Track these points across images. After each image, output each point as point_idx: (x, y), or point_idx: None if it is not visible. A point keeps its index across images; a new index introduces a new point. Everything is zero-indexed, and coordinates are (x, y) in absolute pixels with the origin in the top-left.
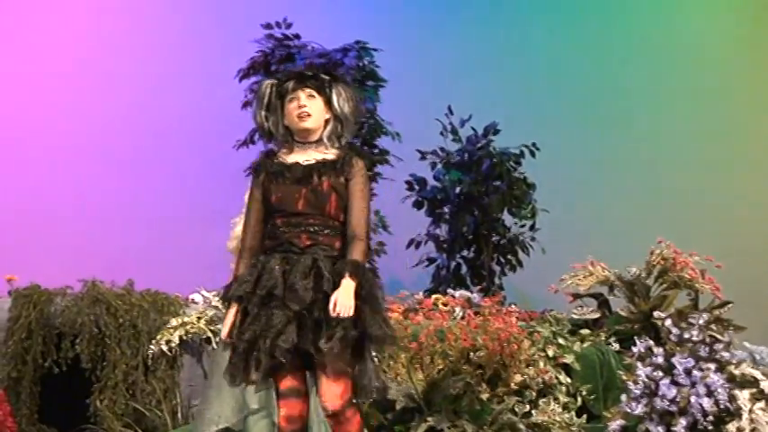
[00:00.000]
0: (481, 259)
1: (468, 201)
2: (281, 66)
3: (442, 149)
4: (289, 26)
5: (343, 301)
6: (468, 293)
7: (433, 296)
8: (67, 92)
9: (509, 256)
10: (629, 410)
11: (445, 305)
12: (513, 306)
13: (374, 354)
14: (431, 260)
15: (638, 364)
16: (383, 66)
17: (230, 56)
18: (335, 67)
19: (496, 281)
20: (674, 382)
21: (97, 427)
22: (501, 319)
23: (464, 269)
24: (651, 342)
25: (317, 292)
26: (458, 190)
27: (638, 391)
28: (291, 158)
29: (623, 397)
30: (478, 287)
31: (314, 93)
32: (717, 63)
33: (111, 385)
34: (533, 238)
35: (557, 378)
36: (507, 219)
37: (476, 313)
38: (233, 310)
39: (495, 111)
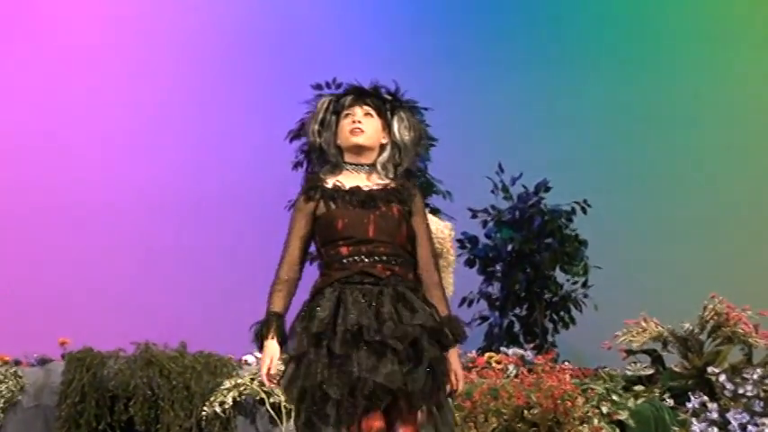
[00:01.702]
0: (534, 317)
1: (519, 258)
2: None
3: (494, 207)
4: (339, 86)
5: (460, 372)
6: (522, 351)
7: (486, 354)
8: (122, 155)
9: (562, 314)
10: None
11: (498, 363)
12: (566, 363)
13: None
14: (483, 318)
15: (693, 420)
16: (433, 124)
17: (280, 117)
18: (400, 92)
19: (549, 338)
20: None
21: None
22: (554, 377)
23: (517, 327)
24: (705, 398)
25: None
26: (509, 248)
27: None
28: (346, 182)
29: None
30: (531, 345)
31: (372, 112)
32: None
33: None
34: (586, 295)
35: None
36: (559, 276)
37: (529, 371)
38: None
39: (545, 168)
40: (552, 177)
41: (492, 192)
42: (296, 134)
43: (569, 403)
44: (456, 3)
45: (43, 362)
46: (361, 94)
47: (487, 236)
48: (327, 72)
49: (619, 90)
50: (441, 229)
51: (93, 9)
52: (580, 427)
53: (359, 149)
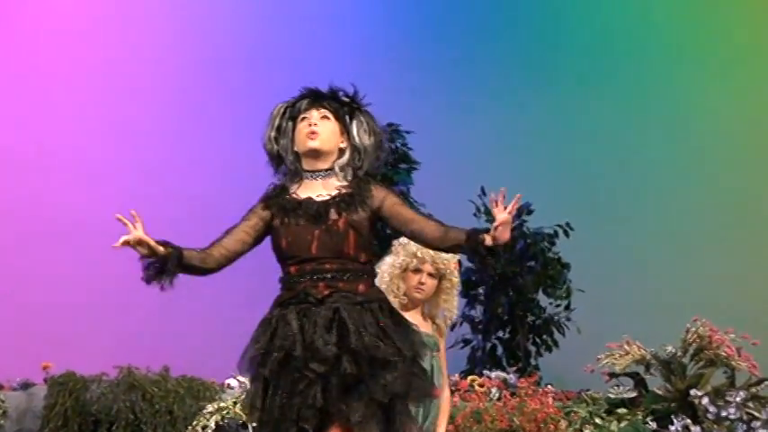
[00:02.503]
0: (517, 340)
1: (502, 281)
2: None
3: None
4: None
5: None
6: (505, 374)
7: (469, 377)
8: (108, 175)
9: (544, 337)
10: None
11: (481, 386)
12: (549, 386)
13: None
14: (466, 341)
15: None
16: (415, 148)
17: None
18: (359, 95)
19: (532, 361)
20: None
21: None
22: (537, 400)
23: (500, 350)
24: (688, 420)
25: (341, 349)
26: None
27: None
28: (302, 193)
29: None
30: (514, 368)
31: (329, 115)
32: (755, 143)
33: None
34: (569, 318)
35: None
36: (542, 299)
37: (512, 394)
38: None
39: (528, 191)
40: (535, 200)
41: (474, 215)
42: None
43: (552, 426)
44: (440, 29)
45: (26, 386)
46: (317, 98)
47: (470, 259)
48: None
49: (602, 114)
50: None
51: (85, 22)
52: None
53: (316, 154)
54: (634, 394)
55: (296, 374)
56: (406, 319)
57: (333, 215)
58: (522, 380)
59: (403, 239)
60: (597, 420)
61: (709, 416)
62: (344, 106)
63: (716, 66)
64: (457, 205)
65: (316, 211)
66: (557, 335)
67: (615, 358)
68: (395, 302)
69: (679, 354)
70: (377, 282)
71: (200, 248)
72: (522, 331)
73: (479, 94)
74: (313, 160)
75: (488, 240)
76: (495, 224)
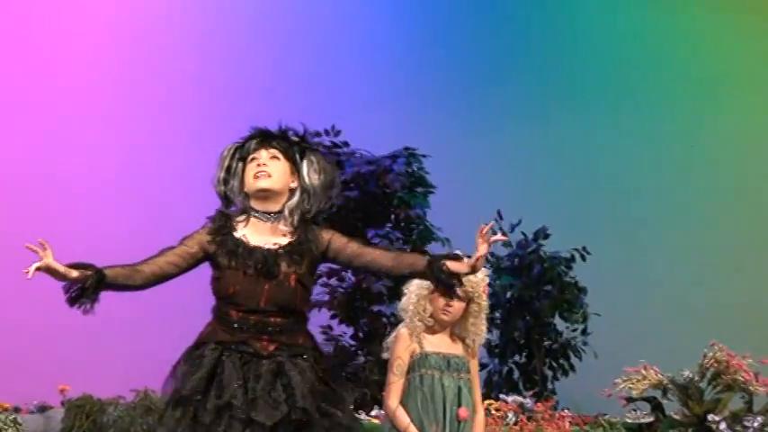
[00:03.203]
0: (533, 364)
1: (519, 305)
2: None
3: (492, 254)
4: (337, 134)
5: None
6: (521, 398)
7: (486, 402)
8: (123, 194)
9: (561, 361)
10: None
11: (498, 410)
12: (566, 411)
13: None
14: (483, 365)
15: None
16: (432, 171)
17: None
18: (308, 135)
19: (549, 385)
20: None
21: None
22: (554, 425)
23: (516, 374)
24: None
25: (288, 403)
26: (509, 294)
27: None
28: (251, 238)
29: None
30: (531, 392)
31: (278, 155)
32: None
33: None
34: (585, 343)
35: None
36: (559, 323)
37: (528, 418)
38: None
39: (544, 215)
40: (551, 224)
41: None
42: None
43: None
44: (457, 53)
45: (43, 409)
46: (266, 137)
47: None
48: (327, 119)
49: (619, 139)
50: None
51: (99, 46)
52: None
53: (265, 194)
54: (651, 419)
55: (233, 422)
56: (336, 366)
57: (283, 268)
58: (539, 404)
59: None
60: None
61: None
62: (294, 146)
63: (736, 89)
64: (473, 229)
65: (267, 266)
66: (573, 359)
67: (632, 383)
68: (420, 325)
69: (696, 378)
70: (404, 302)
71: (128, 264)
72: (539, 355)
73: (496, 118)
74: (263, 201)
75: (453, 267)
76: (477, 255)
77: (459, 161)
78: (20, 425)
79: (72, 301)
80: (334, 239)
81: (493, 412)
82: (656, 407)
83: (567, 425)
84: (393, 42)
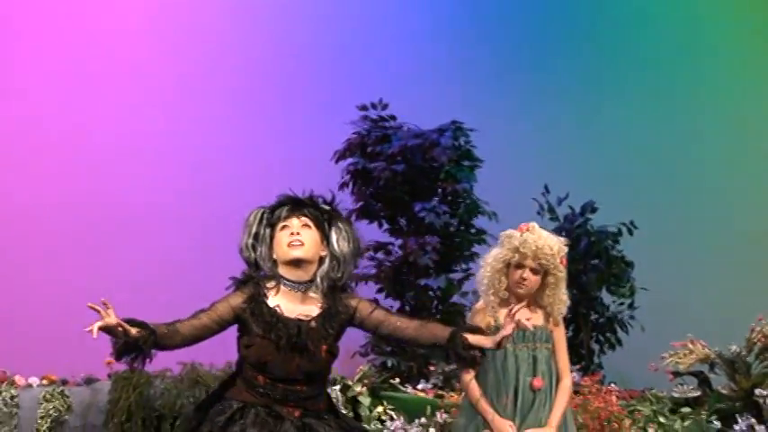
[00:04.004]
0: (580, 338)
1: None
2: (377, 147)
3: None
4: (384, 107)
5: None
6: None
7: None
8: (171, 178)
9: (608, 335)
10: None
11: None
12: (612, 385)
13: None
14: None
15: None
16: (479, 145)
17: (326, 137)
18: (335, 201)
19: (595, 360)
20: None
21: None
22: (601, 399)
23: None
24: (753, 420)
25: None
26: None
27: None
28: (285, 308)
29: None
30: (578, 366)
31: (310, 223)
32: None
33: None
34: (632, 317)
35: None
36: (606, 297)
37: (575, 393)
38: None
39: (592, 189)
40: (599, 198)
41: (538, 213)
42: (342, 155)
43: (616, 425)
44: (504, 26)
45: (90, 381)
46: (297, 205)
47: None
48: (374, 92)
49: (666, 112)
50: (550, 245)
51: (134, 26)
52: None
53: (298, 263)
54: (698, 393)
55: None
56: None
57: (315, 341)
58: (586, 378)
59: (509, 231)
60: (661, 419)
61: None
62: (324, 214)
63: None
64: (520, 203)
65: (300, 340)
66: (620, 333)
67: (679, 357)
68: (494, 299)
69: (744, 353)
70: (479, 274)
71: (168, 324)
72: (586, 329)
73: (544, 93)
74: (294, 269)
75: (474, 341)
76: (503, 334)
77: (506, 135)
78: (67, 397)
79: (119, 355)
80: (360, 308)
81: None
82: (703, 381)
83: (614, 399)
84: (442, 15)
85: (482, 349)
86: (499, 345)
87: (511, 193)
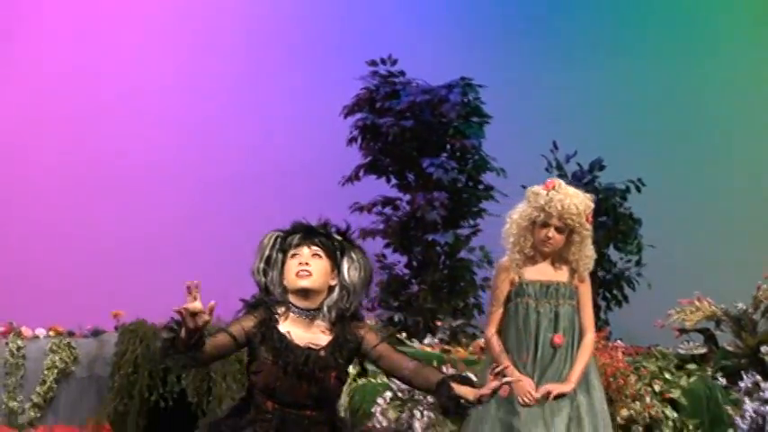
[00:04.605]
0: None
1: None
2: (386, 102)
3: None
4: (394, 63)
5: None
6: None
7: None
8: (177, 136)
9: (615, 292)
10: None
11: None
12: (618, 341)
13: None
14: None
15: (746, 398)
16: (488, 102)
17: (335, 92)
18: (349, 231)
19: (602, 316)
20: None
21: None
22: (607, 355)
23: None
24: (758, 377)
25: None
26: None
27: (745, 426)
28: (294, 335)
29: None
30: None
31: (320, 252)
32: None
33: None
34: (639, 274)
35: (663, 413)
36: (613, 254)
37: None
38: None
39: (600, 146)
40: (607, 155)
41: (546, 170)
42: (350, 110)
43: (622, 381)
44: None
45: (96, 333)
46: (309, 233)
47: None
48: (383, 48)
49: (674, 69)
50: (576, 203)
51: None
52: (632, 405)
53: (305, 293)
54: (704, 350)
55: None
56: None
57: (323, 370)
58: None
59: (536, 187)
60: (667, 375)
61: None
62: (336, 243)
63: None
64: (528, 160)
65: (309, 368)
66: (627, 290)
67: (686, 314)
68: (519, 257)
69: (750, 310)
70: (506, 229)
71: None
72: (593, 286)
73: (553, 50)
74: (302, 299)
75: (459, 391)
76: (486, 391)
77: (515, 91)
78: (73, 348)
79: (167, 353)
80: (367, 339)
81: None
82: (709, 338)
83: (620, 355)
84: None
85: (496, 376)
86: (479, 401)
87: (519, 150)
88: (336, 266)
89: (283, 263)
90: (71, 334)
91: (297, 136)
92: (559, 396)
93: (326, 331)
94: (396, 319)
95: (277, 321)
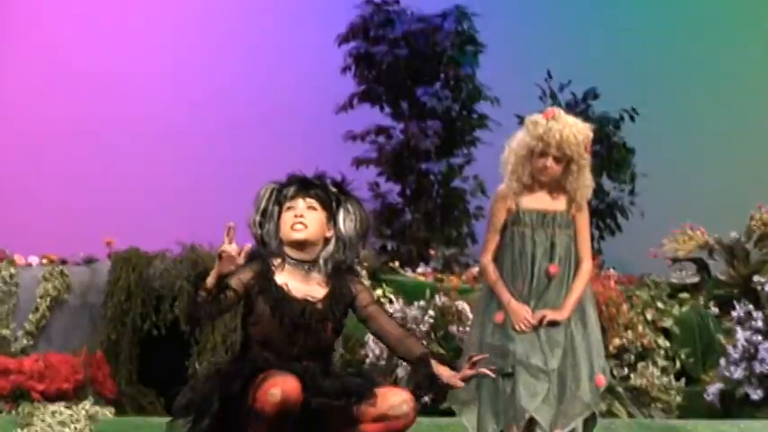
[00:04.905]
0: None
1: None
2: (380, 31)
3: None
4: None
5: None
6: None
7: None
8: (164, 63)
9: (608, 221)
10: (727, 374)
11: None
12: (611, 270)
13: None
14: None
15: (738, 327)
16: (482, 31)
17: (329, 21)
18: (345, 182)
19: (595, 245)
20: None
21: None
22: (600, 283)
23: None
24: (750, 306)
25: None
26: None
27: (737, 355)
28: (291, 286)
29: (722, 361)
30: None
31: (315, 204)
32: None
33: (209, 347)
34: (632, 203)
35: (655, 342)
36: (606, 183)
37: None
38: None
39: (594, 75)
40: (601, 85)
41: (540, 98)
42: (344, 38)
43: (614, 310)
44: None
45: (89, 261)
46: (304, 185)
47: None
48: None
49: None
50: (574, 134)
51: None
52: (625, 334)
53: (301, 245)
54: (696, 279)
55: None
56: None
57: (318, 322)
58: None
59: (535, 116)
60: (659, 304)
61: None
62: (332, 195)
63: None
64: (522, 89)
65: (305, 320)
66: (620, 219)
67: (678, 243)
68: (517, 185)
69: (743, 240)
70: (504, 156)
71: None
72: None
73: None
74: (298, 250)
75: (437, 370)
76: (460, 377)
77: (509, 20)
78: (66, 276)
79: (196, 308)
80: (360, 297)
81: None
82: (702, 267)
83: (613, 284)
84: None
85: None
86: (452, 385)
87: (513, 79)
88: (332, 218)
89: (279, 215)
90: (64, 262)
91: (290, 65)
92: (553, 324)
93: (323, 284)
94: (389, 247)
95: (273, 273)
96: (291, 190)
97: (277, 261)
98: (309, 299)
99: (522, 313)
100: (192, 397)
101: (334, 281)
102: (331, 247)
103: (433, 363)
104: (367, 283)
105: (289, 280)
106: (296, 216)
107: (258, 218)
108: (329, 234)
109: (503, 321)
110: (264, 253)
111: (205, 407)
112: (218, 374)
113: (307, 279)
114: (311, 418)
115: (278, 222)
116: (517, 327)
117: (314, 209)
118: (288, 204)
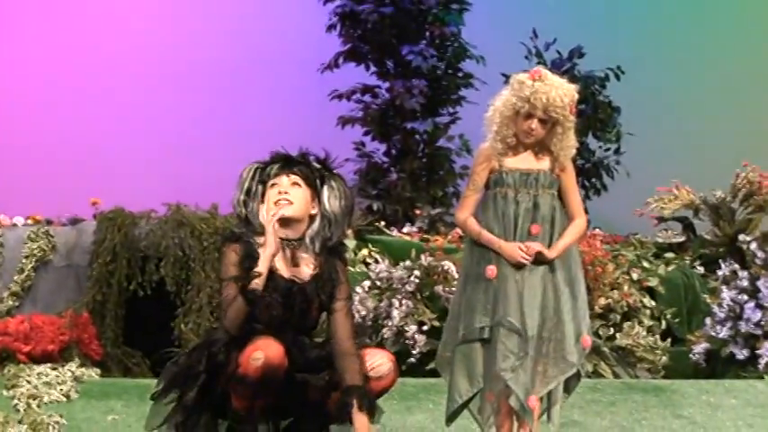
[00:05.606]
0: None
1: None
2: None
3: (526, 72)
4: None
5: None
6: None
7: None
8: (150, 22)
9: (593, 180)
10: (713, 334)
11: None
12: (597, 230)
13: None
14: None
15: (723, 287)
16: None
17: None
18: (329, 160)
19: None
20: (759, 306)
21: (181, 350)
22: (585, 243)
23: None
24: (736, 265)
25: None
26: None
27: (722, 315)
28: (278, 266)
29: (707, 320)
30: None
31: (300, 181)
32: None
33: (195, 309)
34: (618, 162)
35: (641, 301)
36: (592, 142)
37: None
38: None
39: (579, 34)
40: (586, 43)
41: (526, 57)
42: None
43: (600, 269)
44: None
45: (75, 222)
46: (288, 163)
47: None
48: None
49: None
50: (561, 96)
51: None
52: (610, 293)
53: (286, 222)
54: (682, 239)
55: None
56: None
57: (306, 303)
58: None
59: (521, 75)
60: (645, 264)
61: (757, 261)
62: (316, 172)
63: None
64: (508, 47)
65: (293, 301)
66: (606, 178)
67: (664, 202)
68: (501, 146)
69: (728, 199)
70: (488, 115)
71: None
72: None
73: None
74: (283, 228)
75: (354, 414)
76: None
77: None
78: (52, 237)
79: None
80: (341, 288)
81: None
82: (688, 227)
83: (598, 244)
84: None
85: None
86: None
87: (499, 38)
88: (317, 195)
89: (263, 193)
90: (49, 222)
91: (275, 23)
92: (541, 262)
93: (310, 264)
94: (374, 207)
95: (258, 254)
96: (275, 168)
97: (261, 239)
98: (296, 279)
99: (516, 249)
100: (178, 370)
101: (323, 263)
102: (316, 224)
103: (355, 405)
104: (352, 244)
105: (276, 260)
106: (280, 192)
107: (242, 197)
108: (314, 211)
109: (495, 276)
110: (246, 232)
111: (191, 379)
112: (203, 346)
113: (294, 259)
114: (296, 386)
115: (262, 201)
116: (516, 261)
117: (298, 185)
118: (272, 182)
